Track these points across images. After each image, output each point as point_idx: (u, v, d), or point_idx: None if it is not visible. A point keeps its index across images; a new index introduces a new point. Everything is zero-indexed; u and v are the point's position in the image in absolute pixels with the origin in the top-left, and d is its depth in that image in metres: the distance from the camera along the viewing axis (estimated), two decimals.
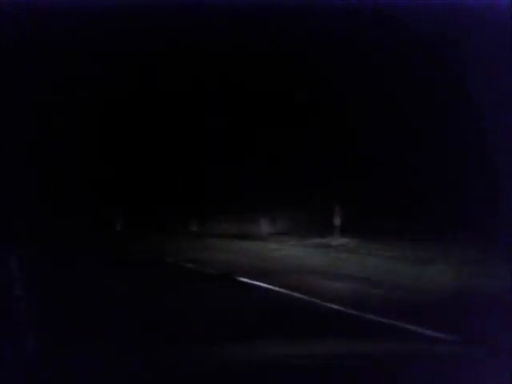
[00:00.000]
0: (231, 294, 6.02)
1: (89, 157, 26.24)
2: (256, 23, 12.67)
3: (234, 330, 3.78)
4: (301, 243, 12.38)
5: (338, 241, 11.48)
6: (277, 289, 6.32)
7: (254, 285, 6.78)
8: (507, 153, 8.13)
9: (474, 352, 1.88)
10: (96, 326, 4.02)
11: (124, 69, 17.33)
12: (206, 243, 12.77)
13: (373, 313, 4.61)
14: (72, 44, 13.42)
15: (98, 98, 18.31)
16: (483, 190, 9.10)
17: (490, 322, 3.74)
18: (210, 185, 19.00)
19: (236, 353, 2.11)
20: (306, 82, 16.73)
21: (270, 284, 6.54)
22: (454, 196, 10.15)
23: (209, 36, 14.55)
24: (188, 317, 4.58)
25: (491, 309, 4.42)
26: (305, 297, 5.72)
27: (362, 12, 10.20)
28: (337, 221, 11.45)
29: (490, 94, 8.65)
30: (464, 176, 10.02)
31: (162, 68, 18.73)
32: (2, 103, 12.59)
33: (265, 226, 14.99)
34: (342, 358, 1.89)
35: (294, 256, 10.38)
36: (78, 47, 13.84)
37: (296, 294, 5.88)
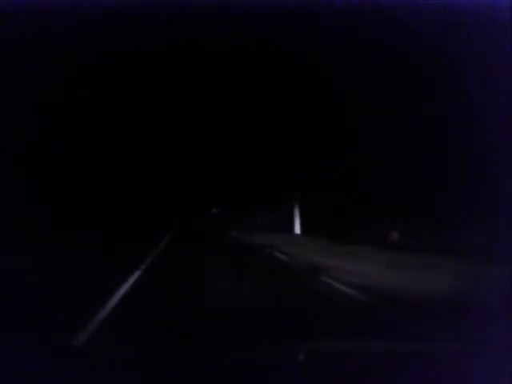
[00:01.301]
0: None
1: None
2: (256, 23, 12.67)
3: None
4: None
5: None
6: None
7: None
8: (507, 153, 8.12)
9: (473, 352, 1.87)
10: None
11: (124, 69, 17.32)
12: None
13: None
14: (72, 44, 13.41)
15: (98, 98, 18.31)
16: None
17: None
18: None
19: (237, 354, 2.11)
20: (305, 82, 16.73)
21: None
22: None
23: (209, 36, 14.55)
24: None
25: None
26: None
27: (361, 12, 10.19)
28: None
29: (490, 93, 8.65)
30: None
31: (162, 68, 18.72)
32: (2, 104, 12.56)
33: None
34: (343, 357, 1.89)
35: None
36: (77, 47, 13.83)
37: None
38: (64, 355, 1.92)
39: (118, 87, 18.34)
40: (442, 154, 11.08)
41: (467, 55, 9.08)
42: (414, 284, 5.63)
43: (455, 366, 1.67)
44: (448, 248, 9.13)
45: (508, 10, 7.45)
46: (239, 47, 15.36)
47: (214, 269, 7.73)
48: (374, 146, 14.59)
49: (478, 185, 9.35)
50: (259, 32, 13.41)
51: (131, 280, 6.29)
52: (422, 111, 11.52)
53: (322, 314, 4.16)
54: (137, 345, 2.68)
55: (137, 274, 6.88)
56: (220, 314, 4.15)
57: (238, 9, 11.43)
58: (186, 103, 24.45)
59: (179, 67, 18.48)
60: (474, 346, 2.07)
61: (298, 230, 18.66)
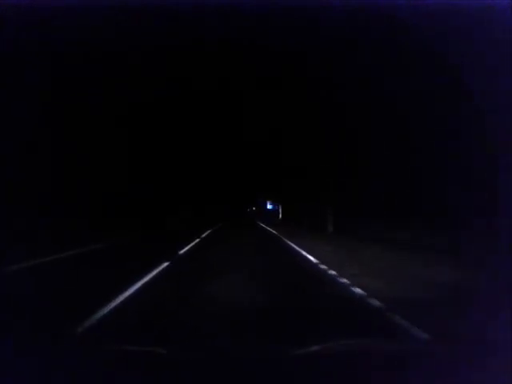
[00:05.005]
0: None
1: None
2: (256, 23, 12.67)
3: None
4: None
5: None
6: None
7: None
8: (507, 154, 8.12)
9: (473, 352, 1.87)
10: None
11: (124, 69, 17.32)
12: None
13: None
14: (72, 44, 13.38)
15: (99, 98, 18.30)
16: None
17: None
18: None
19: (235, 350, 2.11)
20: (305, 82, 16.73)
21: None
22: None
23: (209, 36, 14.55)
24: None
25: None
26: None
27: (362, 12, 10.18)
28: None
29: (491, 94, 8.63)
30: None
31: (162, 68, 18.71)
32: (3, 105, 12.52)
33: None
34: (343, 357, 1.88)
35: None
36: (78, 47, 13.81)
37: None
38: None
39: (120, 87, 18.34)
40: (441, 155, 11.07)
41: (467, 55, 9.07)
42: None
43: (455, 366, 1.67)
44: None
45: (508, 9, 7.45)
46: (239, 47, 15.37)
47: None
48: (374, 146, 14.60)
49: (478, 186, 9.35)
50: (259, 32, 13.41)
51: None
52: (422, 111, 11.51)
53: None
54: None
55: None
56: None
57: (237, 9, 11.43)
58: (188, 104, 24.49)
59: (180, 67, 18.48)
60: (473, 345, 2.07)
61: None
